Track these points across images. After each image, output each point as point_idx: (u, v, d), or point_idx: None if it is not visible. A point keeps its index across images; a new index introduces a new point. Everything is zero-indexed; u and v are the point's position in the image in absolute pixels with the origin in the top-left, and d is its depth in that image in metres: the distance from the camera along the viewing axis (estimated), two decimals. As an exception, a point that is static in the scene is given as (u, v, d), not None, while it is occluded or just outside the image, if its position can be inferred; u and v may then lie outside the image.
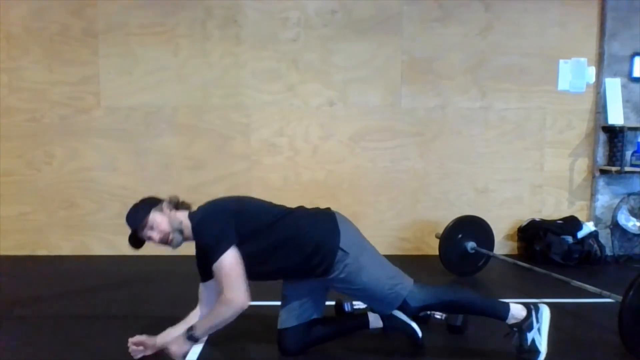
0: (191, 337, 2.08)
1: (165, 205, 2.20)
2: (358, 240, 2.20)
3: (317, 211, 2.28)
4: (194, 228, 2.13)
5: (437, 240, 3.56)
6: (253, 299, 2.07)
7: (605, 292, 2.50)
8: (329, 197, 4.13)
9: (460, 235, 3.53)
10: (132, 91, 4.07)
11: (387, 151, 4.17)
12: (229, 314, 2.03)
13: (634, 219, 4.16)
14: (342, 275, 2.12)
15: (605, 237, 4.17)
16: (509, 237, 4.27)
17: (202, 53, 4.05)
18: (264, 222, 2.15)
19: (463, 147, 4.19)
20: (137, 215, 2.14)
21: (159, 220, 2.14)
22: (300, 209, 2.29)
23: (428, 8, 4.07)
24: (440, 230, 3.56)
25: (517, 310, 2.16)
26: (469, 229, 3.56)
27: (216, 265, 2.02)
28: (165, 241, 2.16)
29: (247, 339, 2.47)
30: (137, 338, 2.18)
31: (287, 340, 2.23)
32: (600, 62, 4.14)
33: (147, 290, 3.26)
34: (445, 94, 4.14)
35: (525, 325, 2.12)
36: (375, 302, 2.20)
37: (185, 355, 2.13)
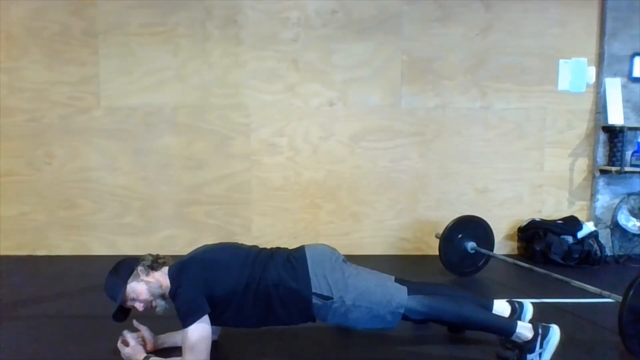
0: None
1: (141, 270, 2.09)
2: (337, 274, 2.11)
3: (285, 259, 2.17)
4: (170, 293, 2.06)
5: (437, 240, 3.56)
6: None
7: (605, 292, 2.50)
8: (329, 197, 4.14)
9: (460, 235, 3.53)
10: (132, 91, 4.07)
11: (387, 151, 4.17)
12: None
13: (634, 219, 4.16)
14: (333, 320, 2.11)
15: (605, 237, 4.17)
16: (509, 237, 4.27)
17: (202, 53, 4.05)
18: (236, 284, 2.07)
19: (463, 147, 4.19)
20: (115, 290, 2.06)
21: (139, 291, 2.06)
22: (273, 256, 2.20)
23: (428, 8, 4.07)
24: (440, 230, 3.56)
25: (524, 330, 2.11)
26: (469, 229, 3.56)
27: (184, 333, 1.98)
28: (149, 308, 2.10)
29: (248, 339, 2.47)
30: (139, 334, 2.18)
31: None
32: (600, 62, 4.14)
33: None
34: (445, 94, 4.15)
35: (527, 347, 2.08)
36: (375, 325, 2.13)
37: None
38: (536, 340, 2.09)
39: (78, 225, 4.15)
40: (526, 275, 3.41)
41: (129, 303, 2.10)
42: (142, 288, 2.06)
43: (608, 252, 4.10)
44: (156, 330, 2.31)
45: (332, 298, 2.06)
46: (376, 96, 4.13)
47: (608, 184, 4.23)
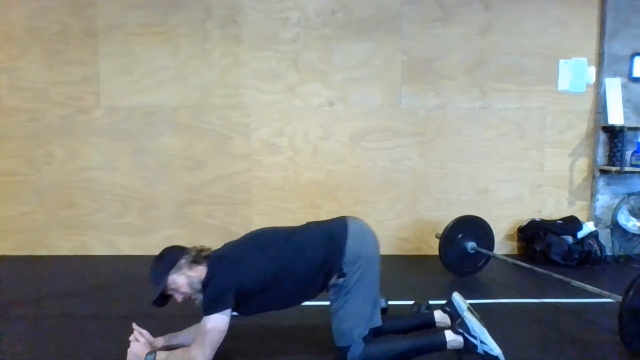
0: None
1: (184, 263, 2.13)
2: (366, 261, 2.14)
3: (325, 235, 2.21)
4: (204, 283, 2.10)
5: (437, 240, 3.56)
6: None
7: (605, 292, 2.50)
8: (329, 197, 4.14)
9: (460, 235, 3.53)
10: (132, 91, 4.07)
11: (387, 151, 4.17)
12: None
13: (634, 219, 4.16)
14: (334, 284, 2.13)
15: (605, 237, 4.17)
16: (509, 237, 4.27)
17: (202, 53, 4.05)
18: (270, 275, 2.12)
19: (463, 147, 4.19)
20: (158, 278, 2.13)
21: (180, 284, 2.12)
22: (309, 231, 2.26)
23: (428, 8, 4.08)
24: (440, 230, 3.56)
25: (453, 339, 2.13)
26: (469, 229, 3.56)
27: (202, 321, 2.04)
28: (187, 300, 2.16)
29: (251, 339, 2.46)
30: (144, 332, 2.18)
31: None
32: (600, 62, 4.15)
33: (147, 290, 3.25)
34: (445, 94, 4.15)
35: (470, 348, 2.12)
36: (336, 329, 2.14)
37: None
38: (465, 336, 2.13)
39: (78, 225, 4.15)
40: (526, 275, 3.42)
41: (170, 292, 2.14)
42: (182, 281, 2.11)
43: (608, 252, 4.10)
44: (159, 331, 2.30)
45: (342, 285, 2.10)
46: (376, 96, 4.13)
47: (608, 184, 4.23)
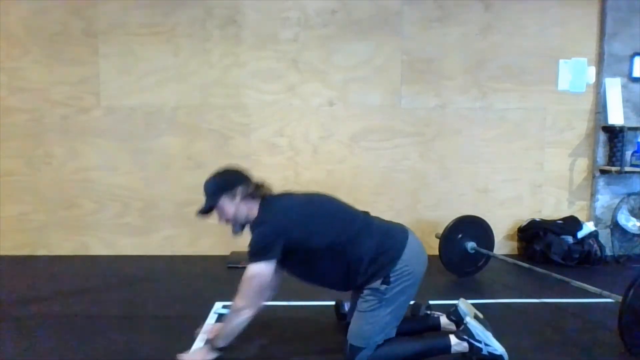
0: (212, 346, 2.11)
1: (239, 191, 2.14)
2: (413, 278, 2.12)
3: (389, 230, 2.20)
4: (252, 225, 2.11)
5: (437, 240, 3.56)
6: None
7: (605, 292, 2.50)
8: (329, 197, 4.13)
9: (460, 235, 3.53)
10: (132, 91, 4.07)
11: (387, 151, 4.17)
12: (236, 322, 2.07)
13: (634, 219, 4.16)
14: (374, 287, 2.09)
15: (605, 237, 4.17)
16: (509, 237, 4.27)
17: (202, 53, 4.05)
18: (320, 243, 2.09)
19: (463, 147, 4.19)
20: (211, 193, 2.16)
21: (226, 210, 2.15)
22: (373, 223, 2.21)
23: (428, 8, 4.07)
24: (440, 230, 3.56)
25: (458, 345, 2.15)
26: (469, 229, 3.56)
27: (246, 269, 2.04)
28: (225, 224, 2.20)
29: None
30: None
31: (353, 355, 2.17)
32: (600, 62, 4.15)
33: (147, 290, 3.26)
34: (445, 94, 4.15)
35: (475, 352, 2.13)
36: (357, 327, 2.12)
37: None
38: (469, 341, 2.14)
39: (78, 225, 4.15)
40: (526, 275, 3.42)
41: (215, 211, 2.17)
42: (229, 209, 2.14)
43: (608, 252, 4.10)
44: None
45: (382, 291, 2.07)
46: (376, 96, 4.13)
47: (608, 184, 4.23)
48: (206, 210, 2.18)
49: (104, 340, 2.44)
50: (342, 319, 2.57)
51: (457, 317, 2.34)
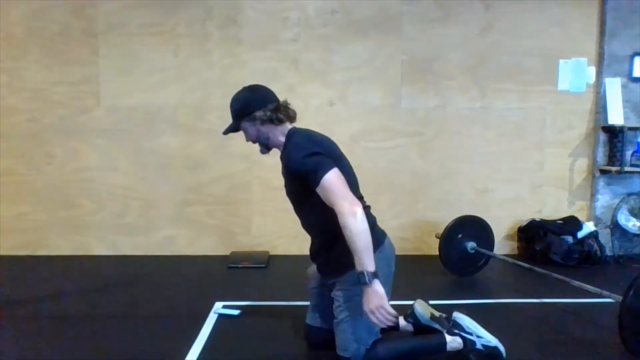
0: (368, 276, 1.84)
1: (258, 116, 2.14)
2: (386, 276, 2.11)
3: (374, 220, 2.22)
4: (286, 156, 2.08)
5: (437, 240, 3.56)
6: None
7: (605, 292, 2.50)
8: (329, 197, 4.13)
9: (460, 235, 3.53)
10: (132, 91, 4.07)
11: (387, 151, 4.17)
12: (356, 224, 1.84)
13: (634, 219, 4.16)
14: (349, 288, 2.06)
15: (605, 237, 4.17)
16: (509, 237, 4.27)
17: (202, 53, 4.05)
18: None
19: (463, 147, 4.19)
20: (236, 112, 2.20)
21: (249, 131, 2.21)
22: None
23: (428, 8, 4.08)
24: (440, 230, 3.56)
25: (452, 341, 2.16)
26: (469, 229, 3.56)
27: (319, 189, 1.94)
28: (250, 142, 2.26)
29: (252, 338, 2.47)
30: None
31: (311, 336, 2.31)
32: (600, 62, 4.15)
33: (147, 290, 3.26)
34: (445, 94, 4.15)
35: (470, 346, 2.14)
36: (339, 343, 2.09)
37: (384, 296, 1.87)
38: (462, 335, 2.16)
39: (78, 225, 4.15)
40: (526, 275, 3.41)
41: (241, 131, 2.24)
42: (251, 131, 2.20)
43: (608, 252, 4.10)
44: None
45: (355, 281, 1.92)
46: (376, 96, 4.13)
47: (608, 184, 4.23)
48: (231, 131, 2.25)
49: (104, 340, 2.44)
50: None
51: (414, 319, 2.36)
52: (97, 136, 4.10)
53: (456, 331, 2.18)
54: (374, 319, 1.86)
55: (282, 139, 2.16)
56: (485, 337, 2.16)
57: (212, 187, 4.15)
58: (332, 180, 1.93)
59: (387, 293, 1.90)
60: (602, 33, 4.11)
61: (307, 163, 1.97)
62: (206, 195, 4.16)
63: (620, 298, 2.22)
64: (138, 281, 3.46)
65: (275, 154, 2.30)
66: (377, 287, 1.84)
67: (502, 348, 2.15)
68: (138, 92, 4.07)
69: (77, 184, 4.13)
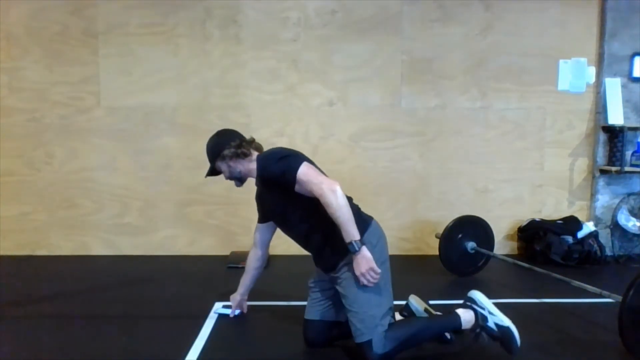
0: (357, 244, 2.03)
1: (226, 154, 2.36)
2: (380, 252, 2.17)
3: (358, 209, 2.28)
4: (259, 170, 2.26)
5: (437, 240, 3.56)
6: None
7: (605, 292, 2.50)
8: (329, 197, 4.13)
9: (460, 235, 3.53)
10: (132, 91, 4.07)
11: (387, 151, 4.17)
12: (337, 200, 2.03)
13: (634, 219, 4.16)
14: (344, 274, 2.13)
15: (605, 237, 4.17)
16: (509, 237, 4.27)
17: (202, 53, 4.05)
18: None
19: (463, 147, 4.19)
20: (210, 156, 2.47)
21: (223, 169, 2.42)
22: None
23: (428, 8, 4.08)
24: (440, 230, 3.56)
25: (464, 314, 2.20)
26: (469, 229, 3.56)
27: (297, 186, 2.12)
28: (229, 179, 2.45)
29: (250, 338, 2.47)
30: None
31: (310, 332, 2.33)
32: (600, 62, 4.15)
33: (147, 290, 3.26)
34: (445, 94, 4.15)
35: (481, 320, 2.17)
36: (354, 323, 2.11)
37: (371, 258, 2.05)
38: (476, 310, 2.19)
39: (78, 225, 4.15)
40: (526, 275, 3.41)
41: (217, 169, 2.44)
42: (224, 168, 2.41)
43: (608, 252, 4.10)
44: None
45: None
46: (376, 96, 4.13)
47: (608, 184, 4.23)
48: (209, 173, 2.49)
49: (104, 340, 2.44)
50: None
51: (409, 312, 2.43)
52: (97, 136, 4.10)
53: (468, 303, 2.21)
54: (364, 281, 2.06)
55: (253, 166, 2.34)
56: (497, 316, 2.18)
57: (212, 187, 4.14)
58: (306, 172, 2.10)
59: (386, 270, 2.16)
60: (602, 33, 4.12)
61: (280, 166, 2.14)
62: (206, 195, 4.16)
63: (620, 298, 2.22)
64: (138, 281, 3.46)
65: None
66: (365, 252, 2.05)
67: (515, 331, 2.15)
68: (138, 92, 4.07)
69: (77, 184, 4.13)
